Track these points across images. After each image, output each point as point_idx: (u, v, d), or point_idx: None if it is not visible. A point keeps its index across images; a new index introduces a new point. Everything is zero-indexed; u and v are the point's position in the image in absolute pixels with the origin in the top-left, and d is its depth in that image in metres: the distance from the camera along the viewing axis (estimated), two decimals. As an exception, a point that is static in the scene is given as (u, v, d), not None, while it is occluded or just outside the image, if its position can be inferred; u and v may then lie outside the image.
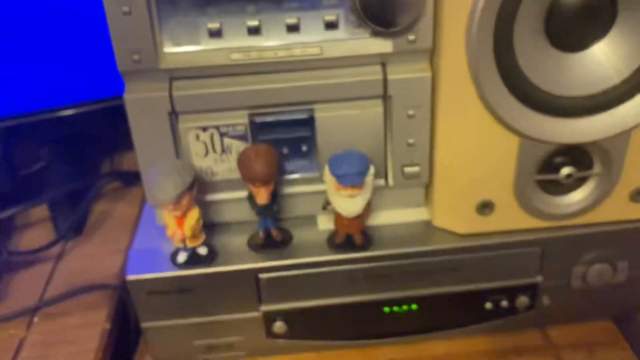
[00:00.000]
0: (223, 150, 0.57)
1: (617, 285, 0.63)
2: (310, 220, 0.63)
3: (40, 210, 0.81)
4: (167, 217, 0.56)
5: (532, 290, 0.63)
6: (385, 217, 0.63)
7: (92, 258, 0.74)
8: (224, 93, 0.54)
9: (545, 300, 0.63)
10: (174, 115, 0.55)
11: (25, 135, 0.84)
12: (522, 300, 0.63)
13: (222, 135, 0.56)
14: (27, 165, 0.85)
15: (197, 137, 0.56)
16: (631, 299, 0.65)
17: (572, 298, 0.64)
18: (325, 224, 0.62)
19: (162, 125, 0.55)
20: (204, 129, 0.56)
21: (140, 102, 0.54)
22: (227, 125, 0.56)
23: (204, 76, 0.54)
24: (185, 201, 0.53)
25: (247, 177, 0.53)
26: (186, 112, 0.55)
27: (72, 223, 0.75)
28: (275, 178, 0.55)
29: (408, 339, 0.65)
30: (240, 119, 0.56)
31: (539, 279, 0.62)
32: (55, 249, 0.75)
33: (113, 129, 0.82)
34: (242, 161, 0.53)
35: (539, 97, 0.51)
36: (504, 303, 0.63)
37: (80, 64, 0.74)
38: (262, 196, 0.54)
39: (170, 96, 0.54)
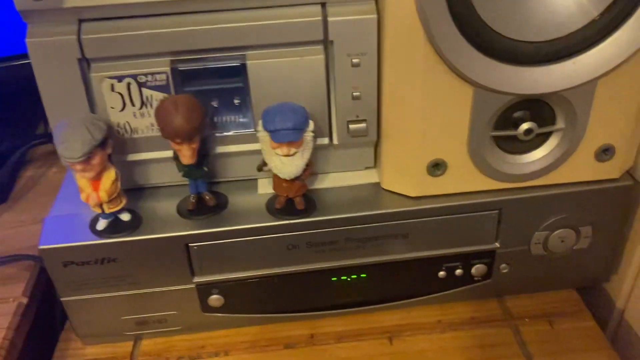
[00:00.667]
0: (143, 103, 0.50)
1: (581, 252, 0.59)
2: (250, 183, 0.58)
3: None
4: (80, 179, 0.49)
5: (489, 257, 0.58)
6: (330, 180, 0.57)
7: (16, 227, 0.68)
8: (141, 36, 0.47)
9: (503, 268, 0.59)
10: (84, 62, 0.48)
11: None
12: (479, 268, 0.59)
13: (140, 85, 0.49)
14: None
15: (112, 88, 0.49)
16: (595, 267, 0.61)
17: (532, 266, 0.59)
18: (266, 187, 0.56)
19: (72, 73, 0.48)
20: (120, 79, 0.49)
21: (45, 46, 0.47)
22: (146, 74, 0.49)
23: (118, 17, 0.47)
24: (96, 160, 0.47)
25: (166, 132, 0.47)
26: (98, 58, 0.48)
27: (-5, 188, 0.68)
28: (200, 134, 0.48)
29: (356, 310, 0.60)
30: (161, 67, 0.49)
31: (496, 245, 0.57)
32: (-24, 217, 0.69)
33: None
34: (160, 114, 0.47)
35: (496, 42, 0.46)
36: (459, 271, 0.58)
37: (3, 14, 0.66)
38: (185, 155, 0.48)
39: (79, 40, 0.47)
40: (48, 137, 0.79)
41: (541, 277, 0.61)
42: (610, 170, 0.54)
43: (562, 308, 0.62)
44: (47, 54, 0.47)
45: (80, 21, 0.47)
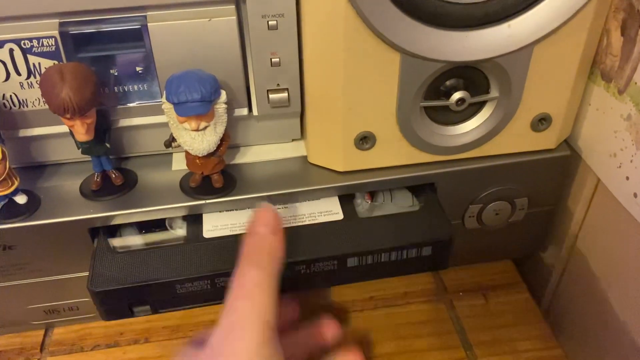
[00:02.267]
0: (30, 72, 0.44)
1: (516, 224, 0.57)
2: (165, 158, 0.52)
3: None
4: (-41, 160, 0.43)
5: (422, 232, 0.55)
6: (253, 154, 0.53)
7: None
8: (21, -6, 0.41)
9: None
10: (-47, 24, 0.42)
11: None
12: (412, 243, 0.56)
13: (25, 52, 0.43)
14: None
15: (-9, 55, 0.43)
16: (530, 239, 0.59)
17: (466, 239, 0.57)
18: (181, 163, 0.51)
19: (-61, 38, 0.42)
20: (0, 44, 0.42)
21: None
22: (31, 39, 0.43)
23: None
24: (-26, 139, 0.41)
25: (53, 106, 0.41)
26: (-30, 20, 0.42)
27: None
28: (94, 106, 0.43)
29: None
30: (48, 30, 0.43)
31: (430, 220, 0.55)
32: None
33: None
34: (44, 86, 0.41)
35: (423, 4, 0.41)
36: (392, 247, 0.56)
37: None
38: (79, 131, 0.43)
39: (-56, -2, 0.40)
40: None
41: (476, 250, 0.59)
42: (547, 140, 0.52)
43: (498, 280, 0.60)
44: None
45: (-55, -25, 0.40)
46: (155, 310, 0.47)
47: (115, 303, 0.45)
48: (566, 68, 0.47)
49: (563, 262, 0.60)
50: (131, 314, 0.47)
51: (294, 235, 0.47)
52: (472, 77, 0.47)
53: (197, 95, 0.41)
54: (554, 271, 0.61)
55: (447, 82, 0.47)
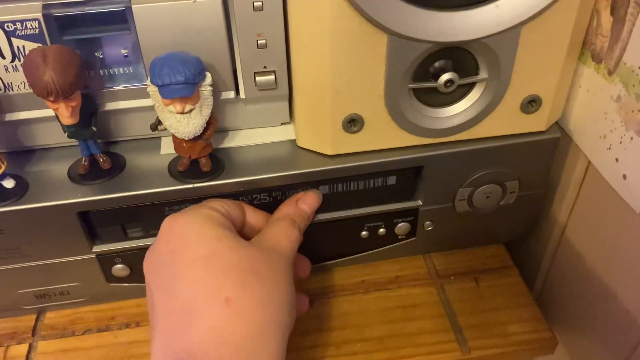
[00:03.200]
0: (14, 55, 0.44)
1: (507, 208, 0.56)
2: (153, 143, 0.52)
3: None
4: (-56, 144, 0.43)
5: (412, 215, 0.55)
6: (242, 138, 0.53)
7: None
8: (2, -25, 0.41)
9: (427, 225, 0.56)
10: None
11: None
12: (402, 227, 0.56)
13: (9, 34, 0.43)
14: None
15: (-27, 37, 0.42)
16: (521, 222, 0.59)
17: (457, 223, 0.57)
18: (169, 147, 0.51)
19: None
20: (-18, 26, 0.42)
21: None
22: (14, 22, 0.42)
23: (-28, -48, 0.40)
24: (-43, 123, 0.41)
25: (37, 89, 0.40)
26: (-49, 2, 0.41)
27: None
28: (78, 89, 0.42)
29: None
30: (31, 12, 0.42)
31: (419, 203, 0.54)
32: None
33: None
34: (27, 68, 0.41)
35: (409, -17, 0.41)
36: (382, 230, 0.56)
37: None
38: (64, 115, 0.42)
39: None
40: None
41: (467, 234, 0.59)
42: (537, 122, 0.51)
43: (489, 264, 0.60)
44: None
45: None
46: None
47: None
48: (555, 49, 0.46)
49: (554, 246, 0.59)
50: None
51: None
52: (461, 58, 0.46)
53: (180, 77, 0.41)
54: (545, 255, 0.61)
55: (436, 64, 0.46)
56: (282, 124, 0.54)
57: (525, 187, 0.55)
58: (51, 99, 0.41)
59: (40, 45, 0.43)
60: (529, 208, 0.58)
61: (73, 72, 0.40)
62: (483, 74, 0.47)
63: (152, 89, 0.43)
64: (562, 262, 0.59)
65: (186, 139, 0.46)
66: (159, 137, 0.53)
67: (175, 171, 0.49)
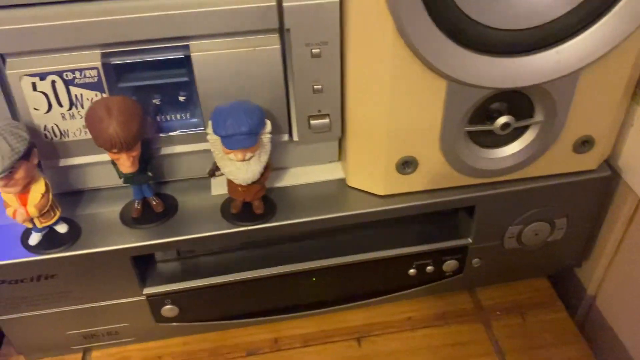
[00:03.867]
0: (72, 103, 0.44)
1: (554, 243, 0.56)
2: (202, 182, 0.52)
3: None
4: (4, 194, 0.43)
5: (461, 253, 0.55)
6: (291, 176, 0.52)
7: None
8: (65, 26, 0.40)
9: (475, 262, 0.56)
10: (-2, 57, 0.41)
11: None
12: (450, 264, 0.56)
13: (67, 83, 0.43)
14: None
15: (34, 87, 0.42)
16: (567, 256, 0.59)
17: (504, 259, 0.56)
18: (220, 187, 0.51)
19: (-17, 71, 0.41)
20: (42, 76, 0.42)
21: (-52, 40, 0.40)
22: (73, 70, 0.42)
23: (36, 3, 0.40)
24: (20, 174, 0.41)
25: (100, 142, 0.40)
26: (14, 53, 0.41)
27: None
28: (139, 140, 0.42)
29: (321, 311, 0.57)
30: (90, 61, 0.42)
31: (469, 241, 0.54)
32: None
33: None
34: (91, 121, 0.40)
35: (472, 31, 0.41)
36: (430, 268, 0.55)
37: None
38: (125, 165, 0.42)
39: (-11, 31, 0.40)
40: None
41: (512, 268, 0.58)
42: (589, 161, 0.51)
43: (534, 298, 0.60)
44: (-49, 48, 0.40)
45: (-11, 9, 0.40)
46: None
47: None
48: (612, 91, 0.46)
49: (599, 279, 0.59)
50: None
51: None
52: (517, 100, 0.46)
53: (245, 129, 0.41)
54: (588, 288, 0.61)
55: (492, 106, 0.46)
56: (330, 162, 0.54)
57: (574, 223, 0.55)
58: (114, 151, 0.40)
59: (98, 93, 0.43)
60: (575, 243, 0.57)
61: (136, 125, 0.40)
62: (538, 117, 0.47)
63: (213, 138, 0.43)
64: (607, 295, 0.59)
65: (244, 184, 0.45)
66: (207, 177, 0.52)
67: (229, 214, 0.49)
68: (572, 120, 0.47)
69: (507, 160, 0.49)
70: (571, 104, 0.46)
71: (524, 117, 0.47)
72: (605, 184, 0.53)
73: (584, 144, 0.49)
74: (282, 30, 0.43)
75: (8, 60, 0.42)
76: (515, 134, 0.49)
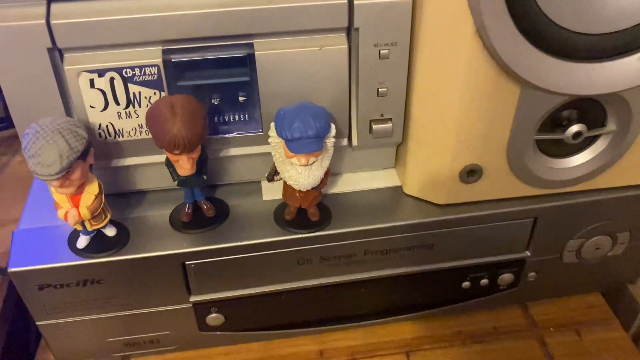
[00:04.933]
0: (129, 102, 0.42)
1: (613, 258, 0.54)
2: (253, 187, 0.50)
3: None
4: (57, 195, 0.41)
5: (517, 266, 0.53)
6: (346, 182, 0.50)
7: (-23, 229, 0.59)
8: (126, 21, 0.39)
9: (531, 276, 0.54)
10: (56, 52, 0.40)
11: None
12: (505, 277, 0.53)
13: (126, 80, 0.41)
14: None
15: (92, 84, 0.40)
16: (625, 272, 0.57)
17: (561, 273, 0.54)
18: (272, 192, 0.49)
19: (41, 66, 0.39)
20: (101, 73, 0.40)
21: (7, 33, 0.38)
22: (133, 67, 0.40)
23: (96, -3, 0.38)
24: (76, 175, 0.39)
25: (162, 142, 0.38)
26: (73, 48, 0.39)
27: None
28: (202, 141, 0.40)
29: (369, 323, 0.55)
30: (150, 58, 0.40)
31: (527, 254, 0.52)
32: None
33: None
34: (153, 120, 0.39)
35: (555, 35, 0.39)
36: (484, 281, 0.53)
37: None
38: (184, 167, 0.40)
39: (48, 25, 0.38)
40: (8, 122, 0.70)
41: (568, 283, 0.56)
42: (658, 174, 0.49)
43: (589, 315, 0.57)
44: (9, 41, 0.38)
45: (50, 2, 0.38)
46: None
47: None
48: (691, 102, 0.44)
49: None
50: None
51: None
52: (589, 108, 0.44)
53: (312, 132, 0.39)
54: (645, 304, 0.59)
55: (562, 114, 0.44)
56: (385, 168, 0.52)
57: (636, 238, 0.53)
58: (177, 152, 0.39)
59: (156, 91, 0.41)
60: (634, 258, 0.55)
61: (200, 125, 0.39)
62: (611, 126, 0.45)
63: (275, 141, 0.41)
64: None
65: (303, 190, 0.43)
66: (259, 181, 0.50)
67: (282, 220, 0.47)
68: (646, 130, 0.45)
69: (574, 171, 0.47)
70: (648, 113, 0.44)
71: (596, 125, 0.45)
72: (672, 198, 0.51)
73: (656, 156, 0.47)
74: (350, 30, 0.41)
75: (66, 55, 0.40)
76: (584, 144, 0.47)
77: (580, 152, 0.47)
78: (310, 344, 0.55)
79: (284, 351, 0.54)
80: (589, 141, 0.47)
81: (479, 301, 0.55)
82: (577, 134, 0.44)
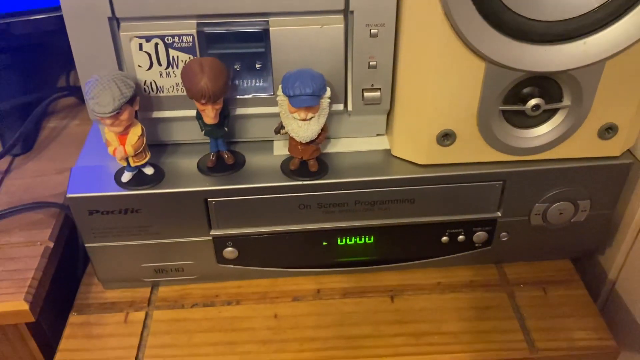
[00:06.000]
0: (169, 63, 0.53)
1: (577, 225, 0.62)
2: (267, 145, 0.60)
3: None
4: (108, 134, 0.52)
5: (490, 225, 0.61)
6: (343, 145, 0.60)
7: (40, 175, 0.71)
8: (170, -1, 0.50)
9: (503, 236, 0.62)
10: (114, 21, 0.51)
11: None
12: (480, 235, 0.62)
13: (167, 46, 0.52)
14: (-26, 75, 0.80)
15: (140, 47, 0.51)
16: (590, 239, 0.64)
17: (530, 236, 0.62)
18: (281, 149, 0.59)
19: (102, 32, 0.51)
20: (148, 39, 0.51)
21: (78, 4, 0.49)
22: (173, 36, 0.51)
23: (148, -21, 0.49)
24: (125, 116, 0.50)
25: (192, 92, 0.49)
26: (128, 18, 0.51)
27: (20, 137, 0.71)
28: (224, 95, 0.51)
29: (360, 269, 0.64)
30: (187, 29, 0.51)
31: (498, 214, 0.60)
32: (2, 165, 0.72)
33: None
34: (186, 74, 0.49)
35: (510, 20, 0.47)
36: (461, 237, 0.62)
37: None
38: (209, 115, 0.51)
39: (110, -1, 0.49)
40: (70, 90, 0.82)
41: (538, 246, 0.64)
42: (612, 148, 0.57)
43: (556, 277, 0.65)
44: (79, 12, 0.50)
45: (112, -19, 0.49)
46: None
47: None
48: (636, 82, 0.52)
49: (619, 264, 0.64)
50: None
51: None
52: (547, 86, 0.53)
53: (309, 90, 0.49)
54: (609, 272, 0.66)
55: (524, 90, 0.53)
56: (378, 135, 0.61)
57: (597, 206, 0.60)
58: (203, 101, 0.49)
59: (191, 56, 0.52)
60: (597, 227, 0.63)
61: (223, 81, 0.49)
62: (566, 101, 0.53)
63: (282, 99, 0.51)
64: (626, 280, 0.63)
65: (303, 142, 0.53)
66: (271, 141, 0.60)
67: (287, 169, 0.57)
68: (597, 107, 0.53)
69: (536, 140, 0.56)
70: (596, 92, 0.52)
71: (553, 101, 0.53)
72: (627, 171, 0.58)
73: (608, 131, 0.55)
74: (346, 12, 0.51)
75: (122, 24, 0.51)
76: (544, 118, 0.55)
77: (541, 125, 0.55)
78: (309, 283, 0.64)
79: (286, 287, 0.64)
80: (549, 116, 0.55)
81: (458, 257, 0.64)
82: (536, 107, 0.53)
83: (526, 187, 0.58)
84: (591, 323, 0.60)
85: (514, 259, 0.66)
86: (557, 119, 0.55)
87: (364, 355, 0.57)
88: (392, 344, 0.58)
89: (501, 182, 0.58)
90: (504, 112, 0.54)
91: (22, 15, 0.71)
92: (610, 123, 0.55)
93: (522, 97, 0.53)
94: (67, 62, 0.87)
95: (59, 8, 0.69)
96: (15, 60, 0.80)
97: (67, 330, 0.60)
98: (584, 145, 0.56)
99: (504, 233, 0.62)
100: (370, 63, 0.53)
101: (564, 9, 0.48)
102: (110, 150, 0.53)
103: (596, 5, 0.47)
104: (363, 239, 0.61)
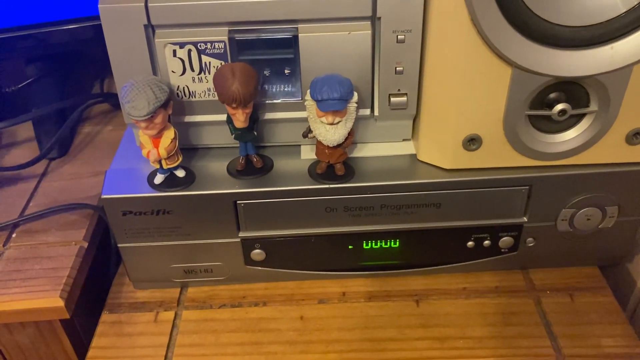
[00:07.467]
0: (201, 69, 0.54)
1: (605, 231, 0.61)
2: (294, 149, 0.62)
3: (28, 130, 0.81)
4: (142, 136, 0.54)
5: (516, 230, 0.61)
6: (369, 150, 0.61)
7: (75, 178, 0.73)
8: (203, 6, 0.51)
9: (529, 242, 0.62)
10: (150, 28, 0.53)
11: (12, 50, 0.82)
12: (506, 240, 0.62)
13: (200, 52, 0.53)
14: (13, 81, 0.83)
15: (174, 53, 0.53)
16: (618, 246, 0.63)
17: (557, 241, 0.62)
18: (309, 153, 0.60)
19: (138, 38, 0.53)
20: (181, 45, 0.53)
21: (115, 12, 0.52)
22: (206, 42, 0.53)
23: (182, -12, 0.51)
24: (159, 119, 0.51)
25: (223, 97, 0.51)
26: (162, 25, 0.52)
27: (57, 141, 0.74)
28: (253, 100, 0.52)
29: (386, 273, 0.65)
30: (219, 36, 0.53)
31: (524, 219, 0.60)
32: (40, 168, 0.75)
33: (105, 49, 0.80)
34: (218, 79, 0.51)
35: (536, 25, 0.48)
36: (487, 242, 0.62)
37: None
38: (239, 119, 0.52)
39: (146, 7, 0.51)
40: (104, 97, 0.85)
41: (565, 252, 0.64)
42: (640, 153, 0.56)
43: (584, 283, 0.65)
44: (116, 19, 0.52)
45: (148, -10, 0.52)
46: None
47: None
48: (663, 88, 0.52)
49: (649, 272, 0.63)
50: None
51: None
52: (574, 91, 0.53)
53: (336, 95, 0.50)
54: (639, 280, 0.65)
55: (551, 95, 0.53)
56: (404, 140, 0.62)
57: (625, 212, 0.60)
58: (234, 105, 0.51)
59: (223, 62, 0.54)
60: (626, 233, 0.62)
61: (253, 86, 0.50)
62: (593, 107, 0.53)
63: (310, 103, 0.53)
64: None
65: (330, 146, 0.54)
66: (299, 145, 0.62)
67: (315, 173, 0.58)
68: (624, 112, 0.53)
69: (562, 145, 0.56)
70: (624, 97, 0.52)
71: (580, 106, 0.53)
72: (656, 177, 0.58)
73: (636, 136, 0.55)
74: (374, 18, 0.52)
75: (157, 31, 0.53)
76: (571, 122, 0.55)
77: (568, 130, 0.55)
78: (334, 286, 0.65)
79: (312, 290, 0.65)
80: (576, 121, 0.55)
81: (483, 262, 0.64)
82: (563, 112, 0.53)
83: (553, 192, 0.58)
84: (619, 330, 0.59)
85: (540, 264, 0.65)
86: (584, 124, 0.55)
87: (389, 358, 0.58)
88: (417, 347, 0.58)
89: (527, 187, 0.58)
90: (530, 117, 0.54)
91: (60, 25, 0.74)
92: (638, 128, 0.55)
93: (549, 102, 0.53)
94: (101, 69, 0.90)
95: (94, 17, 0.73)
96: (52, 68, 0.83)
97: (99, 329, 0.62)
98: (612, 151, 0.56)
99: (530, 238, 0.62)
100: (397, 68, 0.54)
101: (590, 14, 0.48)
102: (144, 152, 0.55)
103: (623, 11, 0.48)
104: (389, 243, 0.62)
